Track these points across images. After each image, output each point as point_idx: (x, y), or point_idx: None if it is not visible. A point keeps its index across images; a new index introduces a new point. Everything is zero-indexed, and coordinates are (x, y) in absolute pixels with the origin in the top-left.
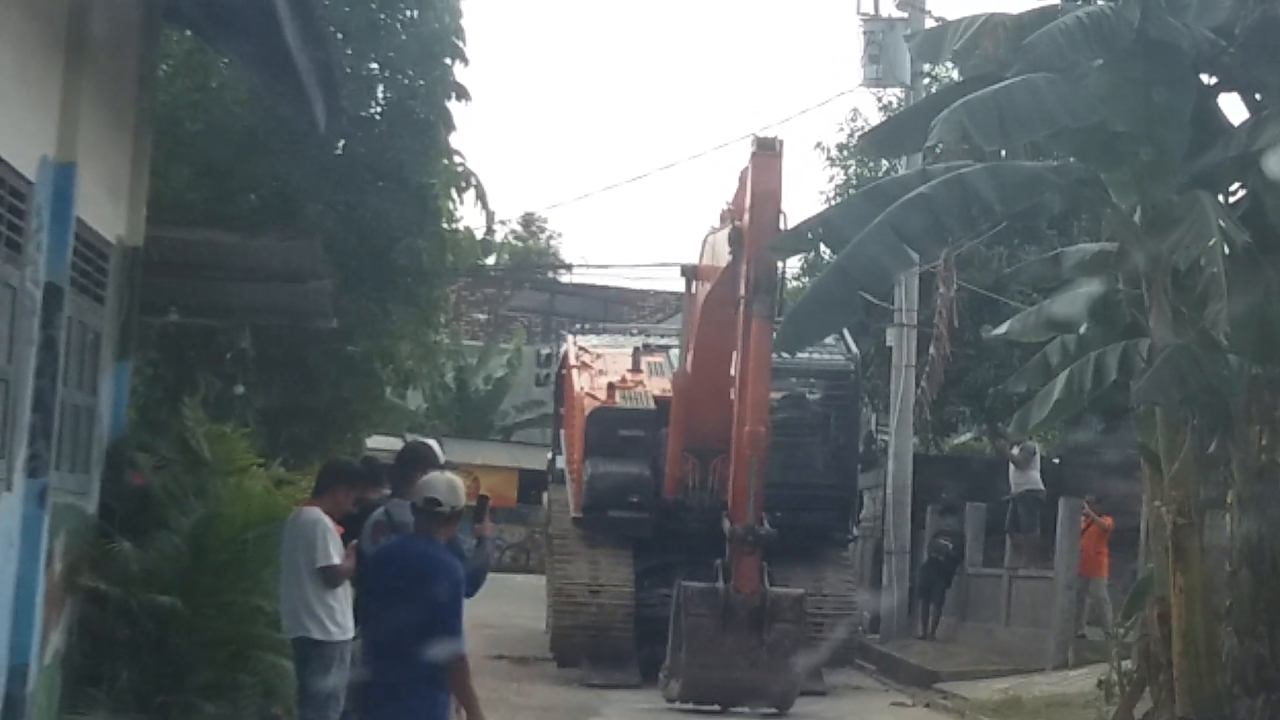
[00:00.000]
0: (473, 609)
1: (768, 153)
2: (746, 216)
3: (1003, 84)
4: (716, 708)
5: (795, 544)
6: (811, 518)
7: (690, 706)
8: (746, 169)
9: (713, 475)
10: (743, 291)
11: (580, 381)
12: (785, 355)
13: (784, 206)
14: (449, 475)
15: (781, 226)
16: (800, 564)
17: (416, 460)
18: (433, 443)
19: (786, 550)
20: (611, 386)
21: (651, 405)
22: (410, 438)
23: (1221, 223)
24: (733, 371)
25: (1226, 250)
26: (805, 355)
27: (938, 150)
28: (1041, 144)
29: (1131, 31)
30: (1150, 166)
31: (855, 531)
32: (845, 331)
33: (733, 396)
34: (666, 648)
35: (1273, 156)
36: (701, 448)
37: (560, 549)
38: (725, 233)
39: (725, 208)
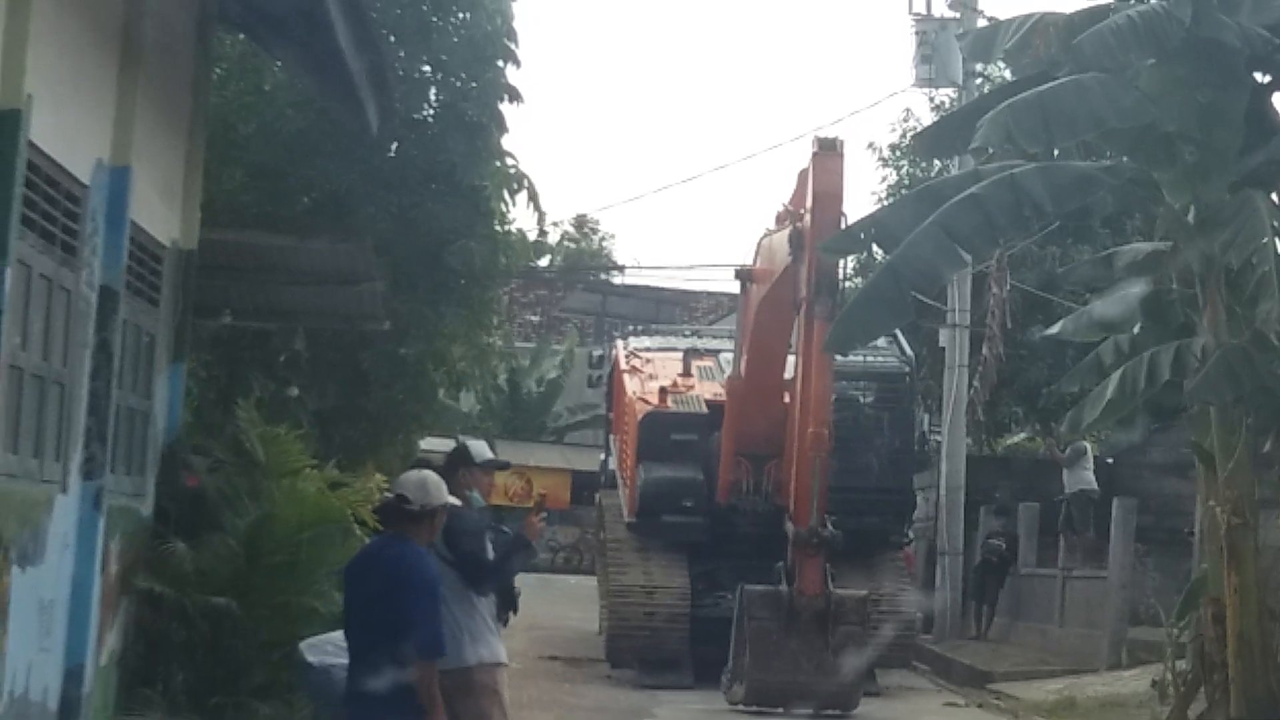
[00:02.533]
0: (525, 609)
1: (829, 153)
2: (807, 217)
3: (1049, 85)
4: (779, 710)
5: (850, 548)
6: (867, 522)
7: (743, 707)
8: (806, 169)
9: (766, 479)
10: (803, 293)
11: (632, 386)
12: (839, 357)
13: (844, 209)
14: (423, 472)
15: (843, 228)
16: (855, 568)
17: (457, 460)
18: (482, 443)
19: (842, 554)
20: (664, 391)
21: (704, 409)
22: (462, 439)
23: (1275, 222)
24: (787, 375)
25: (1279, 249)
26: (860, 358)
27: (989, 151)
28: (1093, 143)
29: (1183, 30)
30: (1202, 166)
31: (910, 535)
32: (899, 334)
33: (786, 400)
34: (728, 650)
35: None
36: (755, 451)
37: (614, 554)
38: (783, 234)
39: (782, 209)
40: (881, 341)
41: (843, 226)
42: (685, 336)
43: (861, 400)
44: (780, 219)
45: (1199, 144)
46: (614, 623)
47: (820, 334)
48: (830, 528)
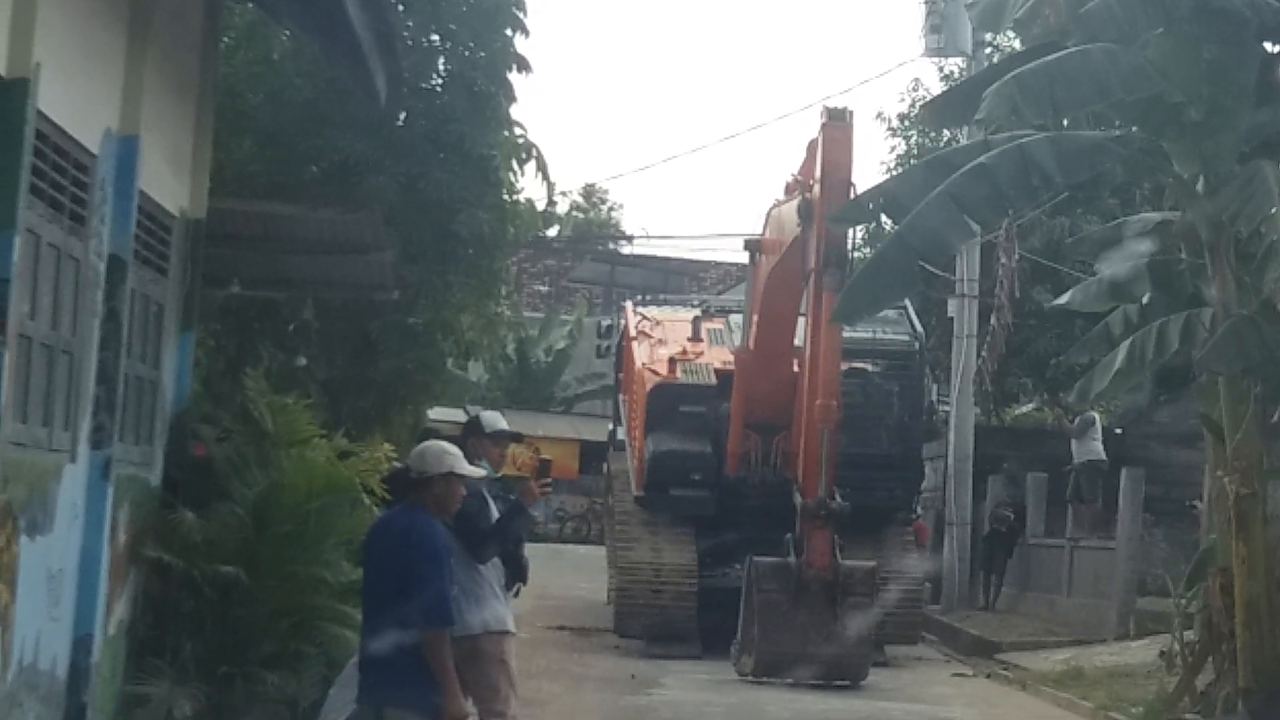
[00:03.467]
0: (533, 579)
1: (838, 124)
2: (816, 188)
3: (1055, 55)
4: (787, 681)
5: (859, 523)
6: (875, 497)
7: (754, 680)
8: (816, 140)
9: (775, 451)
10: (812, 264)
11: (640, 354)
12: (849, 332)
13: (853, 180)
14: (428, 442)
15: (851, 198)
16: (864, 543)
17: (468, 430)
18: (496, 414)
19: (850, 530)
20: (672, 360)
21: (713, 380)
22: (472, 409)
23: None
24: (797, 343)
25: None
26: (869, 333)
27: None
28: (1103, 113)
29: (1190, 0)
30: (1212, 135)
31: (919, 510)
32: (910, 309)
33: (795, 370)
34: (736, 620)
35: None
36: (764, 423)
37: (622, 528)
38: (792, 205)
39: (791, 179)
40: (892, 314)
41: (851, 197)
42: (693, 307)
43: (870, 372)
44: (789, 189)
45: (1207, 114)
46: (622, 598)
47: (829, 305)
48: (839, 499)
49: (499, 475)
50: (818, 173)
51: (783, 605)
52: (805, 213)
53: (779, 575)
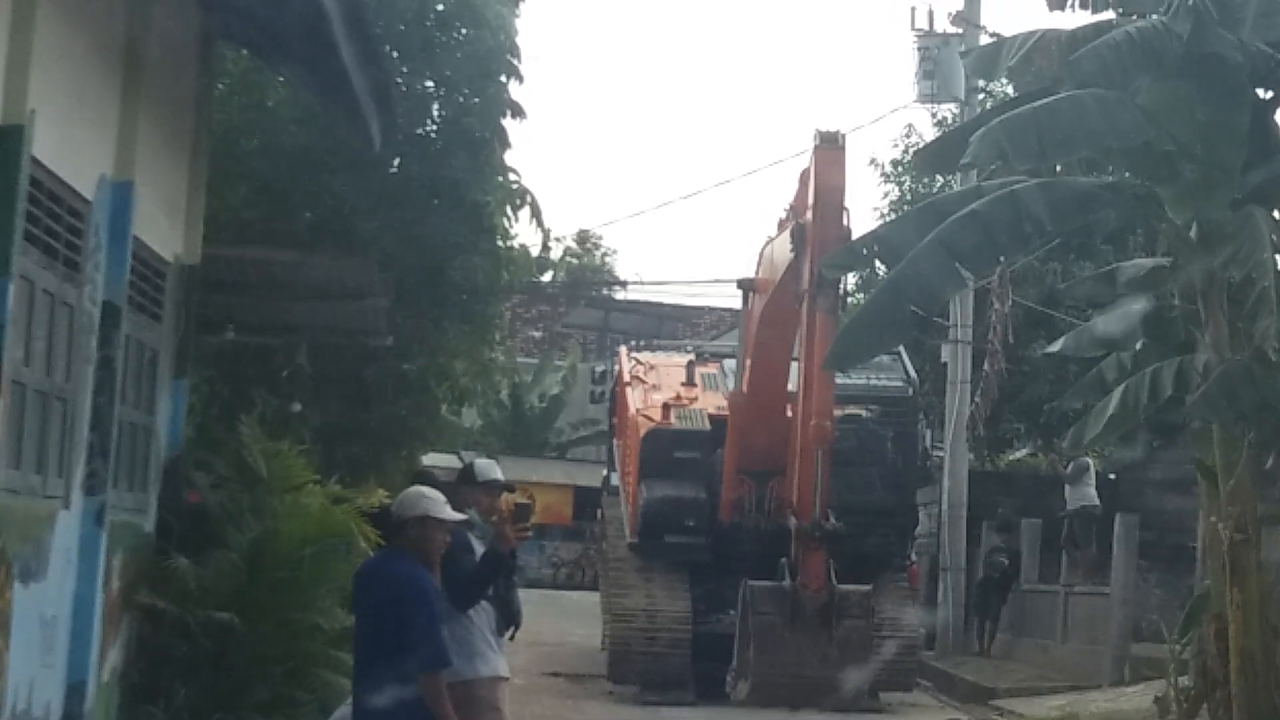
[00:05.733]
0: (527, 625)
1: (831, 147)
2: (809, 213)
3: (1044, 101)
4: (782, 712)
5: (853, 570)
6: (870, 543)
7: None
8: (808, 168)
9: (769, 497)
10: (805, 287)
11: (634, 400)
12: (843, 379)
13: (846, 204)
14: (413, 487)
15: (845, 222)
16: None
17: (461, 478)
18: (491, 462)
19: (844, 576)
20: (666, 406)
21: (706, 425)
22: (465, 455)
23: (1275, 238)
24: (790, 386)
25: (1279, 266)
26: (864, 380)
27: (993, 166)
28: (1095, 159)
29: (1181, 46)
30: (1204, 182)
31: (913, 556)
32: (904, 355)
33: (789, 415)
34: (728, 666)
35: None
36: (757, 468)
37: (616, 575)
38: (785, 237)
39: (783, 215)
40: (886, 360)
41: (845, 221)
42: (687, 352)
43: (865, 421)
44: (782, 225)
45: (1200, 160)
46: (615, 645)
47: (823, 327)
48: (833, 521)
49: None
50: (810, 199)
51: (778, 628)
52: (798, 237)
53: (774, 598)
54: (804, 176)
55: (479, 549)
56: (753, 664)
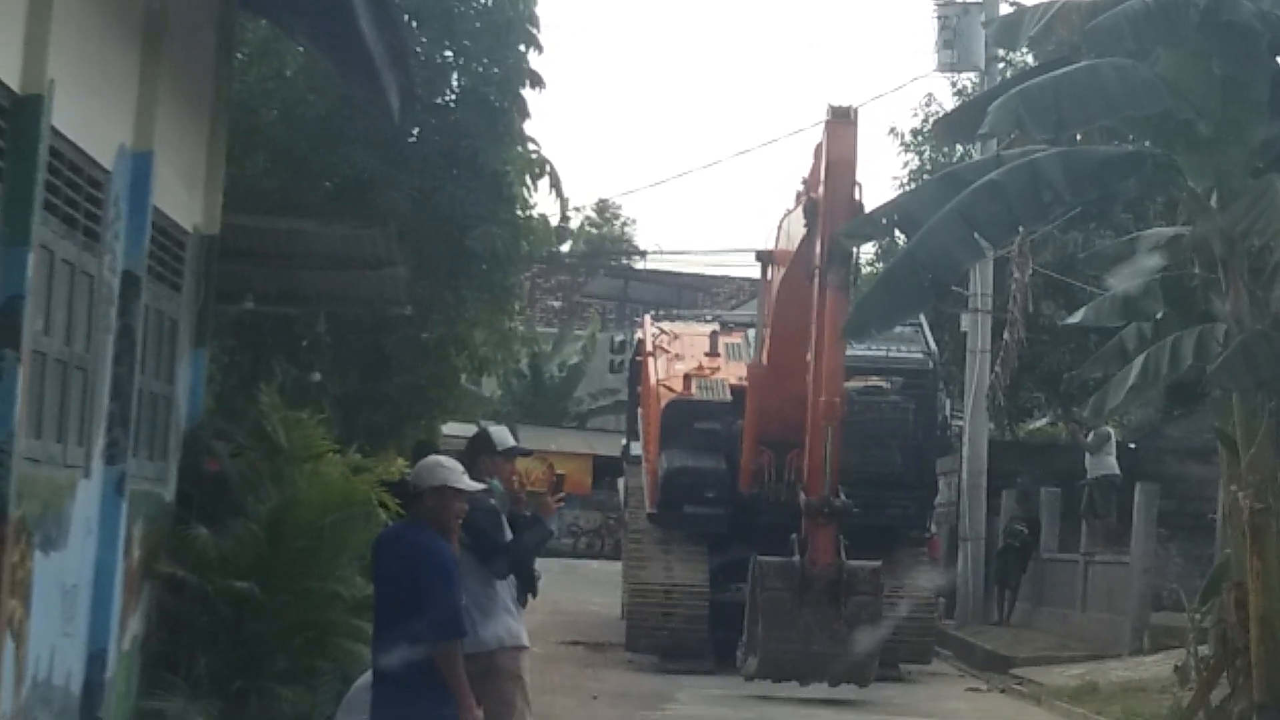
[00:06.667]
0: (547, 594)
1: (843, 121)
2: (821, 188)
3: (1063, 70)
4: (791, 693)
5: (872, 543)
6: (889, 515)
7: (764, 692)
8: (821, 142)
9: (789, 468)
10: (817, 262)
11: (656, 370)
12: (863, 350)
13: (858, 178)
14: (431, 456)
15: (857, 197)
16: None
17: (476, 445)
18: (504, 429)
19: (863, 549)
20: (688, 377)
21: (728, 396)
22: (484, 425)
23: None
24: (809, 357)
25: None
26: (884, 351)
27: (1011, 135)
28: (1115, 128)
29: (1199, 14)
30: (1224, 149)
31: (932, 529)
32: (925, 326)
33: (809, 381)
34: (743, 628)
35: None
36: (777, 439)
37: (635, 547)
38: (799, 211)
39: (800, 188)
40: (907, 331)
41: (857, 196)
42: (707, 322)
43: (886, 392)
44: (800, 199)
45: (1220, 128)
46: (634, 617)
47: (834, 303)
48: (843, 497)
49: (522, 493)
50: (822, 172)
51: (787, 604)
52: (811, 211)
53: (783, 574)
54: (817, 150)
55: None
56: (760, 639)
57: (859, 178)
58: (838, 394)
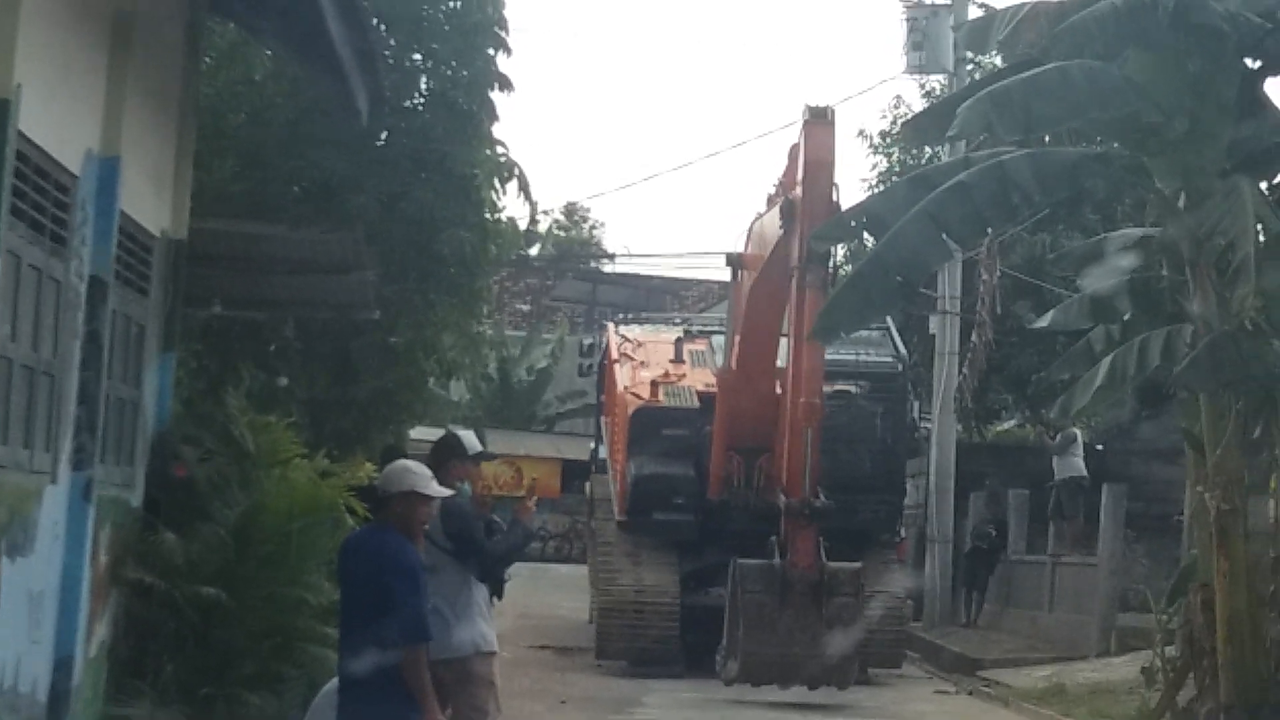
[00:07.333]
0: (516, 598)
1: (820, 122)
2: (799, 188)
3: (1031, 73)
4: (760, 696)
5: (842, 548)
6: (859, 519)
7: (733, 696)
8: (797, 143)
9: (757, 474)
10: (795, 263)
11: (623, 377)
12: (832, 354)
13: (836, 179)
14: (398, 461)
15: (835, 198)
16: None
17: (445, 450)
18: (470, 433)
19: (833, 551)
20: (655, 384)
21: (695, 402)
22: (452, 429)
23: (1257, 207)
24: (779, 362)
25: (1260, 235)
26: (853, 355)
27: (980, 138)
28: (1084, 129)
29: (1167, 16)
30: (1193, 150)
31: (902, 533)
32: (893, 329)
33: (778, 391)
34: (717, 637)
35: None
36: (746, 445)
37: (604, 553)
38: (774, 213)
39: (772, 191)
40: (875, 335)
41: (835, 197)
42: (676, 324)
43: (855, 397)
44: (771, 202)
45: (1188, 129)
46: (604, 628)
47: (813, 304)
48: (823, 499)
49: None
50: (800, 174)
51: (768, 607)
52: (788, 212)
53: (764, 577)
54: (793, 152)
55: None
56: (742, 643)
57: (836, 179)
58: (817, 395)
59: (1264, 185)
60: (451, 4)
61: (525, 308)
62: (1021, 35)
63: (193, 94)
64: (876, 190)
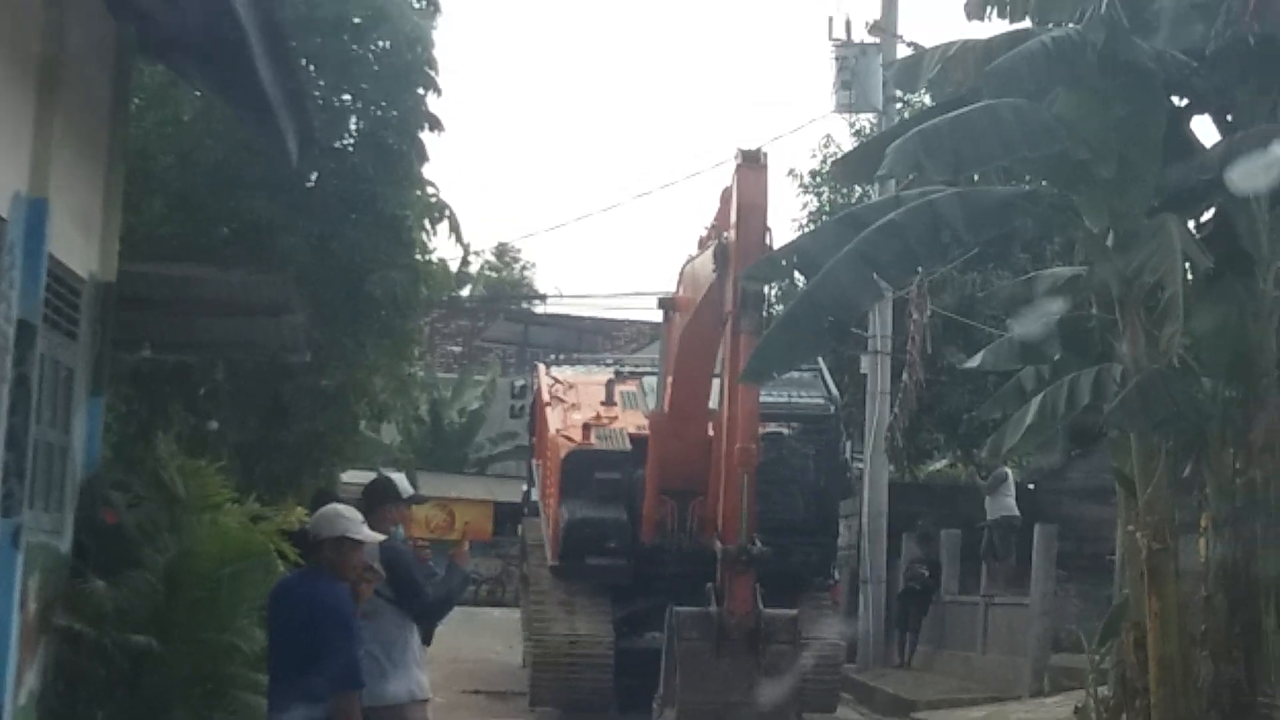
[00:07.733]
0: (448, 643)
1: (753, 165)
2: (731, 232)
3: (960, 112)
4: None
5: (775, 592)
6: (792, 562)
7: None
8: (730, 186)
9: (691, 517)
10: (729, 307)
11: (554, 419)
12: (765, 397)
13: (769, 223)
14: (329, 505)
15: (768, 241)
16: (781, 608)
17: (377, 494)
18: (400, 476)
19: (767, 598)
20: (586, 426)
21: (627, 445)
22: (383, 472)
23: (1185, 245)
24: (712, 405)
25: (1189, 274)
26: (785, 397)
27: (910, 177)
28: (1013, 168)
29: (1096, 55)
30: (1120, 189)
31: (835, 576)
32: (824, 371)
33: (710, 434)
34: (652, 681)
35: (1239, 176)
36: (679, 488)
37: (537, 599)
38: (707, 256)
39: (705, 232)
40: (807, 377)
41: (768, 240)
42: (607, 365)
43: (787, 439)
44: (703, 244)
45: (1116, 167)
46: (538, 674)
47: (747, 349)
48: (759, 545)
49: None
50: (733, 217)
51: (705, 654)
52: (721, 256)
53: (700, 624)
54: (725, 195)
55: None
56: (679, 690)
57: (769, 221)
58: (753, 440)
59: (1191, 224)
60: (381, 44)
61: (457, 349)
62: (950, 74)
63: (121, 136)
64: (807, 229)
